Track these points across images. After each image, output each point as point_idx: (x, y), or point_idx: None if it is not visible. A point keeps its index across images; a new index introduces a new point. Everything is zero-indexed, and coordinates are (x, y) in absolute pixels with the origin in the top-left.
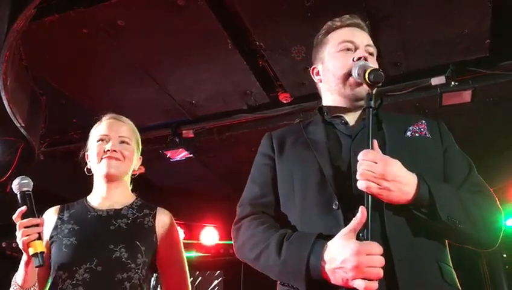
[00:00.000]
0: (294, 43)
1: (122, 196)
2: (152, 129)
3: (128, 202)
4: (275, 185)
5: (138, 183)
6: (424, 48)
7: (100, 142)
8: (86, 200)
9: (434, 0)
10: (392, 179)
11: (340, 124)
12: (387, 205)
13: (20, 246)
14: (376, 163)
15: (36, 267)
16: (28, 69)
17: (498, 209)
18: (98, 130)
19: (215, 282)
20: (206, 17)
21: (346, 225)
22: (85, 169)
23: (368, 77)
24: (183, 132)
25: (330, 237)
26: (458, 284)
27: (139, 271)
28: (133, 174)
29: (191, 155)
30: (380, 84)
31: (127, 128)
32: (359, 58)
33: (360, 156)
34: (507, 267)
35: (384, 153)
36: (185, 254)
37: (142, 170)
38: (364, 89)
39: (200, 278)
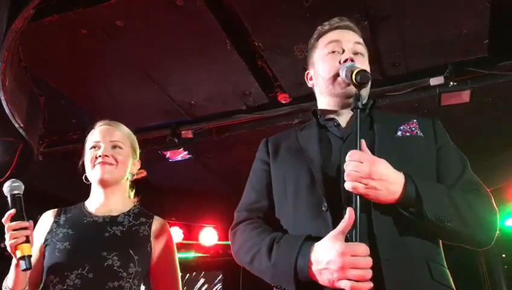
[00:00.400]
0: (293, 43)
1: (120, 202)
2: (151, 129)
3: (126, 209)
4: (271, 190)
5: (137, 183)
6: (423, 48)
7: (93, 149)
8: (83, 205)
9: (433, 0)
10: (379, 178)
11: (333, 126)
12: (375, 205)
13: (9, 249)
14: (362, 163)
15: (22, 270)
16: (27, 69)
17: (491, 208)
18: (91, 138)
19: (214, 282)
20: (205, 18)
21: (335, 227)
22: (83, 177)
23: (355, 78)
24: (182, 132)
25: (319, 238)
26: (451, 284)
27: (131, 280)
28: (132, 179)
29: (190, 155)
30: (366, 85)
31: (119, 133)
32: (345, 61)
33: (346, 157)
34: (506, 267)
35: (372, 153)
36: (184, 255)
37: (144, 174)
38: (353, 88)
39: (199, 278)
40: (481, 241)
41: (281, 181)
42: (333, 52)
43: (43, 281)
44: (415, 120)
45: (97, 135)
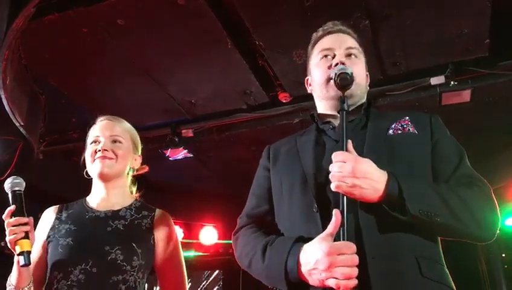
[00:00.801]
0: (293, 42)
1: (121, 197)
2: (151, 128)
3: (127, 203)
4: (271, 195)
5: (137, 182)
6: (424, 47)
7: (93, 144)
8: (85, 200)
9: (433, 0)
10: (362, 176)
11: (329, 129)
12: (361, 205)
13: (9, 245)
14: (345, 163)
15: (21, 266)
16: (27, 68)
17: (488, 200)
18: (91, 133)
19: (214, 281)
20: (206, 17)
21: (325, 228)
22: (84, 173)
23: (336, 81)
24: (183, 131)
25: (311, 239)
26: (449, 282)
27: (135, 273)
28: (134, 174)
29: (191, 154)
30: (349, 87)
31: (119, 128)
32: (336, 65)
33: (332, 159)
34: (506, 266)
35: (362, 153)
36: (184, 253)
37: (146, 169)
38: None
39: (199, 277)
40: (478, 235)
41: (278, 185)
42: (326, 56)
43: (47, 277)
44: (407, 117)
45: (97, 129)
